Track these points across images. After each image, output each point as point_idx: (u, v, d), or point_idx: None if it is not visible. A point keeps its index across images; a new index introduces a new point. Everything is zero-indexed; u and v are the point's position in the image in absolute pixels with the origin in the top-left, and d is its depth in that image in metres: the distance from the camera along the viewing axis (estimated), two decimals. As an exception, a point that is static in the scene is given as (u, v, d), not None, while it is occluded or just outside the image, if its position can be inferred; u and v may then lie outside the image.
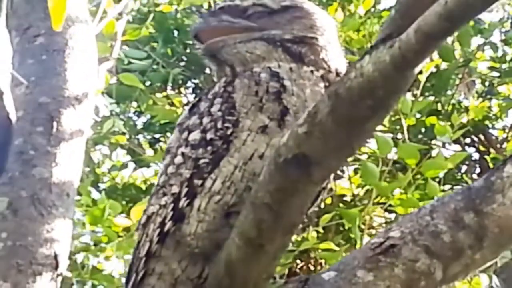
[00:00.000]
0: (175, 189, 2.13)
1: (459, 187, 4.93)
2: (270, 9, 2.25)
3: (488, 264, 2.16)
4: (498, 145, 5.11)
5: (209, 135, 2.11)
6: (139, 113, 5.46)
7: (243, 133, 2.07)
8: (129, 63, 4.55)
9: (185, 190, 2.11)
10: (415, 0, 1.66)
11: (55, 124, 2.82)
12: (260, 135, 2.06)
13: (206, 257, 2.11)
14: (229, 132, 2.08)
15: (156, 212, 2.16)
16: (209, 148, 2.10)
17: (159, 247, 2.13)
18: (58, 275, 2.68)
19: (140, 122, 5.55)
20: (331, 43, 2.24)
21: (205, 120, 2.13)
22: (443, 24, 1.50)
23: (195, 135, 2.14)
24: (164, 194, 2.15)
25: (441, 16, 1.50)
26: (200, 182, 2.09)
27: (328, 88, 2.11)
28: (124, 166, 5.62)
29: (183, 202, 2.10)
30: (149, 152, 5.42)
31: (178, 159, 2.15)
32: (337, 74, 2.18)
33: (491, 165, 4.88)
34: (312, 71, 2.16)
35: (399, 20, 1.67)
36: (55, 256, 2.68)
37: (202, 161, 2.10)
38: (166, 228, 2.12)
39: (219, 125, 2.10)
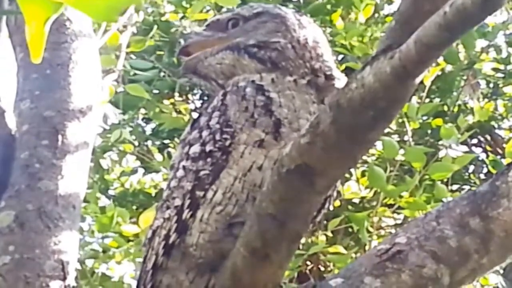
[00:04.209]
0: (178, 202, 2.13)
1: (467, 187, 4.94)
2: (243, 18, 2.24)
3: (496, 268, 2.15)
4: (505, 145, 5.10)
5: (208, 147, 2.11)
6: (147, 120, 5.47)
7: (240, 146, 2.07)
8: (135, 74, 4.56)
9: (187, 202, 2.11)
10: (414, 10, 1.65)
11: (60, 137, 2.82)
12: (257, 148, 2.06)
13: (212, 268, 2.11)
14: (227, 143, 2.08)
15: (161, 225, 2.16)
16: (208, 160, 2.10)
17: (165, 259, 2.13)
18: (66, 287, 2.68)
19: (148, 128, 5.56)
20: (307, 44, 2.19)
21: (204, 133, 2.13)
22: (443, 34, 1.49)
23: (195, 148, 2.14)
24: (168, 208, 2.16)
25: (441, 26, 1.48)
26: (202, 193, 2.09)
27: (320, 93, 2.12)
28: (134, 171, 5.63)
29: (186, 214, 2.10)
30: (158, 157, 5.43)
31: (180, 172, 2.15)
32: (326, 77, 2.16)
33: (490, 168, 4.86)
34: (295, 80, 2.14)
35: (399, 31, 1.65)
36: (63, 268, 2.68)
37: (202, 173, 2.10)
38: (171, 240, 2.12)
39: (217, 137, 2.09)
